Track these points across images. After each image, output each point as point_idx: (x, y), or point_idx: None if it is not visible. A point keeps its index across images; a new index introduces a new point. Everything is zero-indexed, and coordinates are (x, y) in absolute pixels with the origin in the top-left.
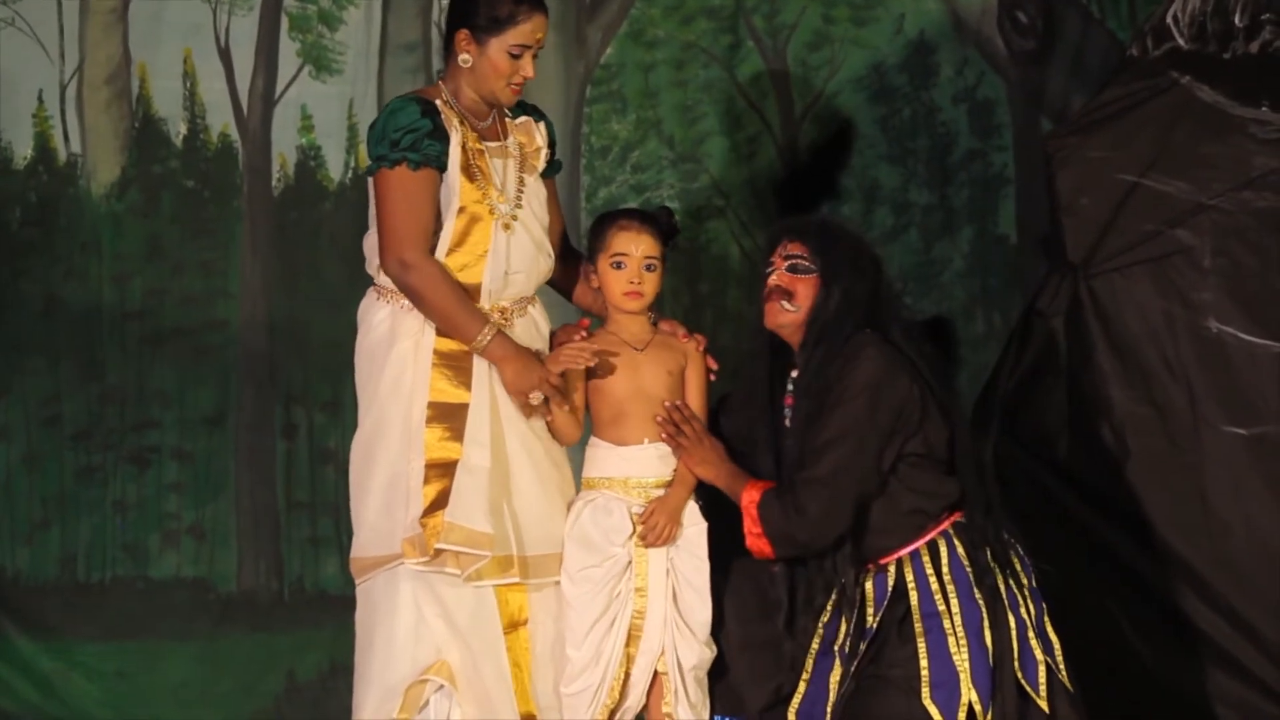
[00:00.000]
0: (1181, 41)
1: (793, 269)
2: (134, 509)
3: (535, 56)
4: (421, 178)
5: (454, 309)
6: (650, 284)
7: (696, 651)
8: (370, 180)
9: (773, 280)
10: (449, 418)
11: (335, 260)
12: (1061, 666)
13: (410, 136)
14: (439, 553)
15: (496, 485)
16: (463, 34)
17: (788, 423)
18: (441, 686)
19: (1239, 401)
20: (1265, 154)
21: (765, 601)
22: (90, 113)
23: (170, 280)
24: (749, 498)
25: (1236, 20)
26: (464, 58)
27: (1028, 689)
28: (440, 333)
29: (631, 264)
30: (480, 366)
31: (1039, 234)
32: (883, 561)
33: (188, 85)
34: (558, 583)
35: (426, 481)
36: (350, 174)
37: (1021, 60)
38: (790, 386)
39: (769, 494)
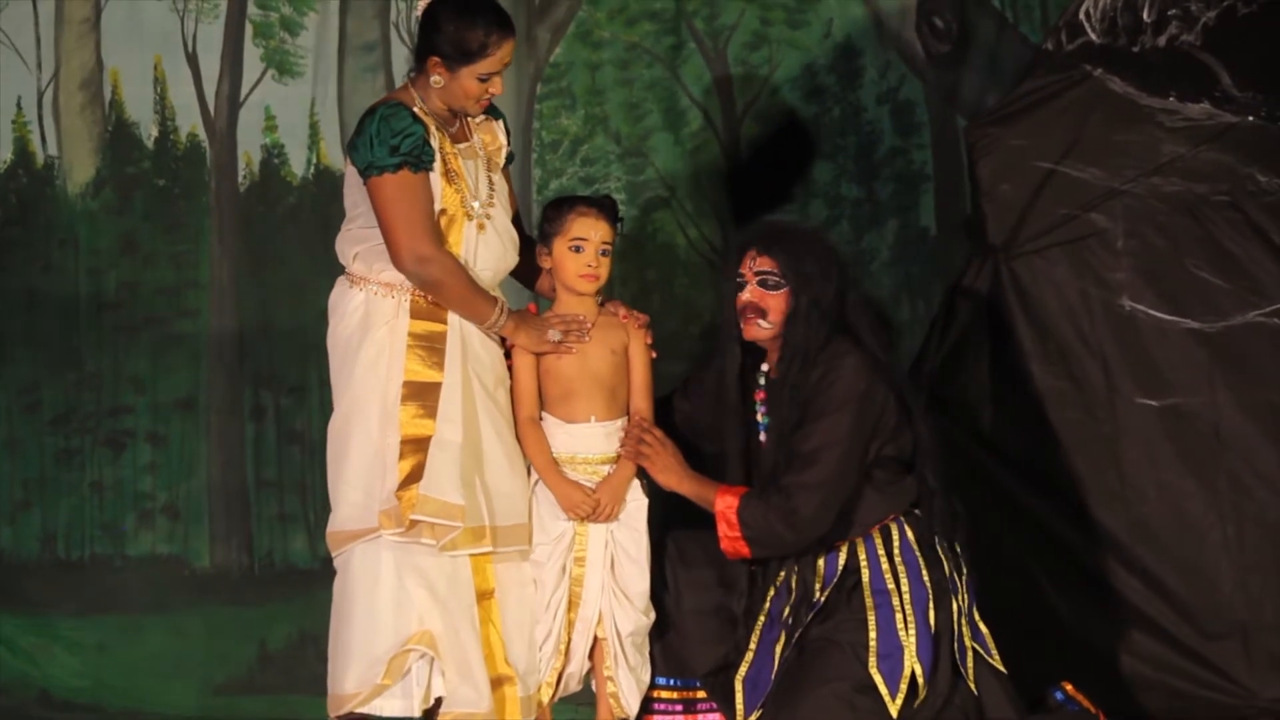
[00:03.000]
0: (1094, 36)
1: (763, 284)
2: (111, 490)
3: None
4: (422, 179)
5: (471, 294)
6: (604, 268)
7: (634, 619)
8: (363, 184)
9: (745, 297)
10: (422, 396)
11: (298, 252)
12: (993, 651)
13: (409, 141)
14: (414, 524)
15: (468, 459)
16: (434, 60)
17: (760, 417)
18: (424, 654)
19: (1151, 375)
20: (1173, 142)
21: (718, 571)
22: (66, 117)
23: (143, 273)
24: (725, 503)
25: (1145, 16)
26: (436, 79)
27: (960, 669)
28: (414, 315)
29: (589, 248)
30: (453, 348)
31: (956, 225)
32: (837, 543)
33: (158, 90)
34: (522, 552)
35: (401, 457)
36: (312, 170)
37: (939, 63)
38: (762, 382)
39: (748, 498)
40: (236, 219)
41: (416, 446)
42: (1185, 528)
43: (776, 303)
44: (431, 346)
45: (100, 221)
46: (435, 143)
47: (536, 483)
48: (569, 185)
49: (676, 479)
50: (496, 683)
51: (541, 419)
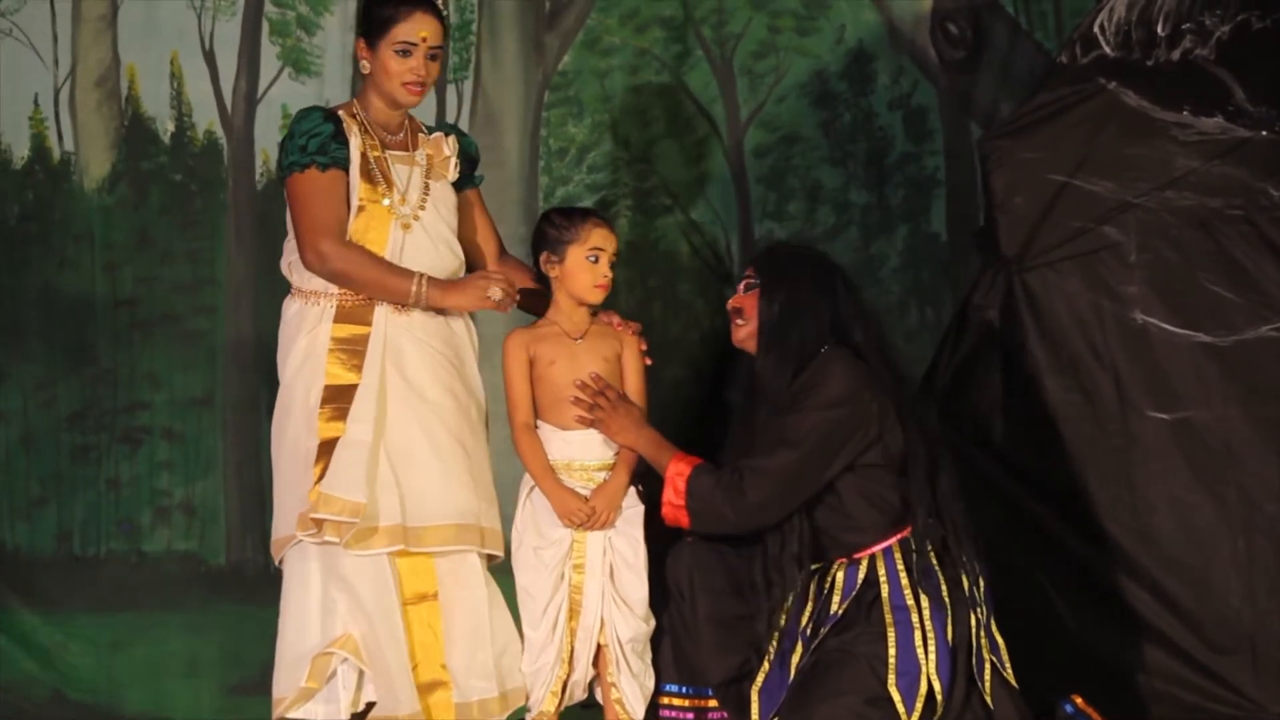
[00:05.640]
0: (1108, 49)
1: (745, 288)
2: (127, 486)
3: (434, 58)
4: (330, 177)
5: (381, 276)
6: (611, 280)
7: (633, 626)
8: (285, 187)
9: (729, 304)
10: (338, 399)
11: None
12: (1007, 665)
13: (316, 140)
14: (321, 524)
15: (379, 458)
16: (360, 43)
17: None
18: (346, 659)
19: (1162, 388)
20: (1186, 155)
21: (734, 578)
22: (82, 113)
23: (159, 269)
24: (676, 469)
25: (1159, 30)
26: (363, 63)
27: (976, 681)
28: (338, 320)
29: (604, 259)
30: (374, 350)
31: (968, 232)
32: (856, 556)
33: (174, 86)
34: (470, 553)
35: (316, 460)
36: None
37: (952, 69)
38: None
39: (700, 469)
40: (253, 216)
41: (329, 448)
42: (1195, 541)
43: (750, 302)
44: (353, 349)
45: (116, 217)
46: (356, 144)
47: (532, 489)
48: (575, 193)
49: (632, 438)
50: (429, 687)
51: (537, 426)
